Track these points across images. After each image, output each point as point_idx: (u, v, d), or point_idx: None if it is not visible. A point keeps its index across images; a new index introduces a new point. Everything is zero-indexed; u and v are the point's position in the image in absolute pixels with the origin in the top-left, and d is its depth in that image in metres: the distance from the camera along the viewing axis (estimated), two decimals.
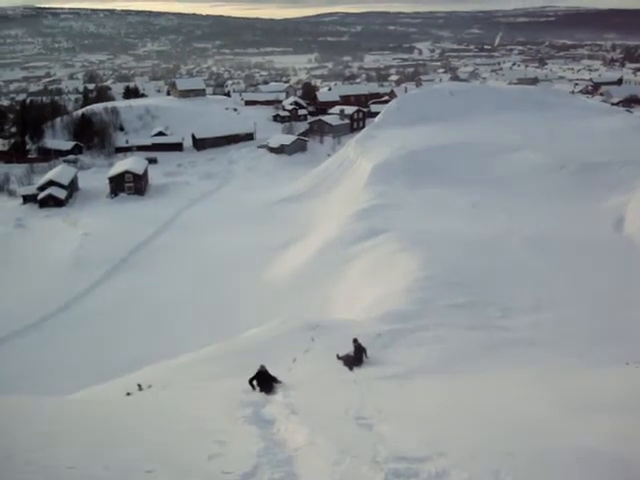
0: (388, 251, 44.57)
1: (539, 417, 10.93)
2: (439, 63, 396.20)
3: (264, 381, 17.93)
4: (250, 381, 17.89)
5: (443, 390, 16.69)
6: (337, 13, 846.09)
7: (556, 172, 60.19)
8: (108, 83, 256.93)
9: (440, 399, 14.71)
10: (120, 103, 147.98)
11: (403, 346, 24.28)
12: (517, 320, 29.73)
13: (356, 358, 22.55)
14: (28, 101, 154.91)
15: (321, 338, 25.34)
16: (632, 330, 27.88)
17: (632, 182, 53.69)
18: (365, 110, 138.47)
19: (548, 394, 13.88)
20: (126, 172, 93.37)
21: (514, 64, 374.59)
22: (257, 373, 18.04)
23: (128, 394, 19.47)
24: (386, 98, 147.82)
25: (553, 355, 23.03)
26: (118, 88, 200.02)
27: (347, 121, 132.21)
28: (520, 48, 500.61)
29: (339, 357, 22.86)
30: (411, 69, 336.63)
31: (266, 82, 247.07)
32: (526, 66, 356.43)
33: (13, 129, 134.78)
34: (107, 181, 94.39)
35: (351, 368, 22.13)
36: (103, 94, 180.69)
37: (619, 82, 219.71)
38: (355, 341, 22.87)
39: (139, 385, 20.94)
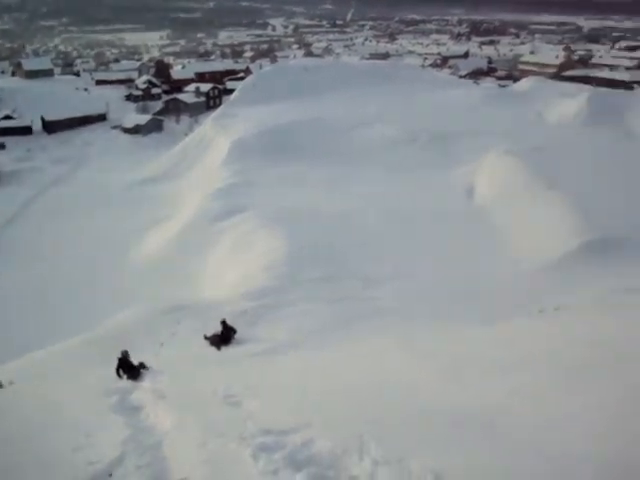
0: (249, 229, 44.58)
1: (409, 382, 11.25)
2: (293, 39, 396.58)
3: (129, 368, 17.64)
4: (117, 371, 17.56)
5: (310, 362, 16.99)
6: None
7: (409, 144, 62.14)
8: None
9: (307, 372, 14.97)
10: None
11: (268, 322, 24.52)
12: (378, 290, 30.67)
13: (223, 338, 22.59)
14: None
15: (187, 320, 25.18)
16: (484, 292, 29.49)
17: (481, 152, 56.27)
18: (221, 87, 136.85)
19: (415, 359, 14.33)
20: None
21: (366, 39, 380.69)
22: (119, 360, 17.73)
23: None
24: (242, 75, 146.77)
25: (415, 321, 23.94)
26: None
27: (203, 99, 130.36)
28: (371, 24, 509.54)
29: (206, 337, 22.83)
30: (265, 45, 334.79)
31: (117, 60, 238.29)
32: (377, 41, 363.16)
33: None
34: None
35: (219, 348, 22.17)
36: None
37: (466, 55, 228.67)
38: (223, 322, 22.90)
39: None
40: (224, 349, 21.97)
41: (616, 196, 43.80)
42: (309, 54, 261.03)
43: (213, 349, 22.08)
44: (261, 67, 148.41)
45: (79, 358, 22.57)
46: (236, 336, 22.82)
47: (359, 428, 7.85)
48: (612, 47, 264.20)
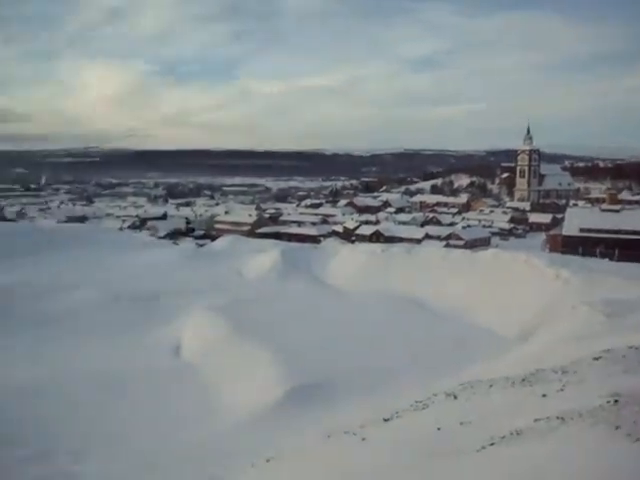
0: None
1: None
2: None
3: None
4: None
5: None
6: None
7: (112, 306, 60.91)
8: None
9: None
10: None
11: None
12: (88, 463, 28.97)
13: None
14: None
15: None
16: (198, 453, 29.16)
17: (184, 309, 57.00)
18: None
19: None
20: None
21: (62, 202, 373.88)
22: None
23: None
24: None
25: None
26: None
27: None
28: (67, 187, 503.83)
29: None
30: None
31: None
32: (74, 204, 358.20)
33: None
34: None
35: None
36: None
37: (164, 217, 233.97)
38: None
39: None
40: None
41: (316, 341, 46.57)
42: (2, 218, 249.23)
43: None
44: None
45: None
46: None
47: None
48: (298, 205, 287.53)
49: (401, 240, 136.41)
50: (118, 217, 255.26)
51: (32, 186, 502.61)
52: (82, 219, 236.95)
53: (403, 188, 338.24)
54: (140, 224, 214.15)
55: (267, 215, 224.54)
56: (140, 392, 40.14)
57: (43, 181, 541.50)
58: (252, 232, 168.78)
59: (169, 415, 36.18)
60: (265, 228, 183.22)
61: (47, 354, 50.15)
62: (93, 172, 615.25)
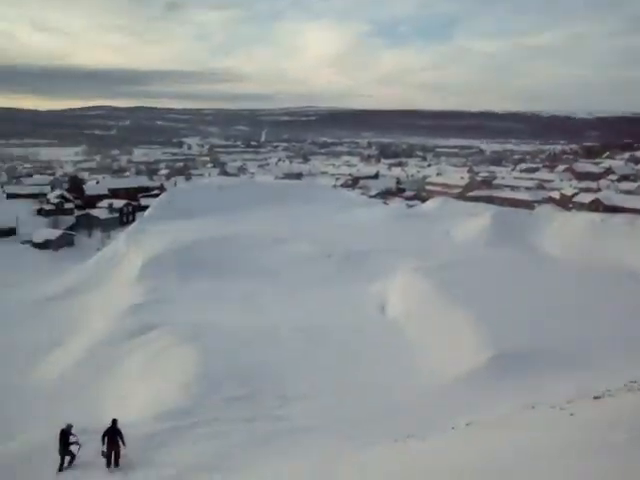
0: (162, 346, 43.49)
1: None
2: (208, 158, 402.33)
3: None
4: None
5: None
6: (104, 107, 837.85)
7: (323, 261, 62.93)
8: None
9: None
10: None
11: (178, 444, 23.62)
12: (294, 408, 30.23)
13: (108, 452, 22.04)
14: None
15: (91, 443, 24.00)
16: (398, 410, 29.43)
17: (391, 268, 57.50)
18: (135, 204, 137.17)
19: None
20: None
21: (280, 159, 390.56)
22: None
23: None
24: (156, 192, 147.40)
25: (327, 440, 23.58)
26: None
27: (116, 215, 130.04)
28: (285, 145, 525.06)
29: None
30: (181, 163, 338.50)
31: (30, 175, 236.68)
32: (291, 162, 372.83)
33: None
34: None
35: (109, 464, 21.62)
36: None
37: (376, 176, 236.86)
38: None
39: None
40: (132, 474, 20.97)
41: (522, 311, 45.11)
42: (224, 173, 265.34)
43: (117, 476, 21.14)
44: (176, 184, 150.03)
45: None
46: (146, 460, 22.00)
47: None
48: (513, 169, 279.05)
49: (624, 210, 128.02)
50: (332, 175, 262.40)
51: (252, 143, 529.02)
52: (298, 176, 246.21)
53: (628, 154, 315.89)
54: (352, 183, 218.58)
55: (479, 178, 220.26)
56: (345, 346, 41.21)
57: (263, 138, 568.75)
58: (463, 195, 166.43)
59: (372, 371, 36.85)
60: (477, 191, 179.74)
61: (258, 304, 53.05)
62: (309, 131, 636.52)
